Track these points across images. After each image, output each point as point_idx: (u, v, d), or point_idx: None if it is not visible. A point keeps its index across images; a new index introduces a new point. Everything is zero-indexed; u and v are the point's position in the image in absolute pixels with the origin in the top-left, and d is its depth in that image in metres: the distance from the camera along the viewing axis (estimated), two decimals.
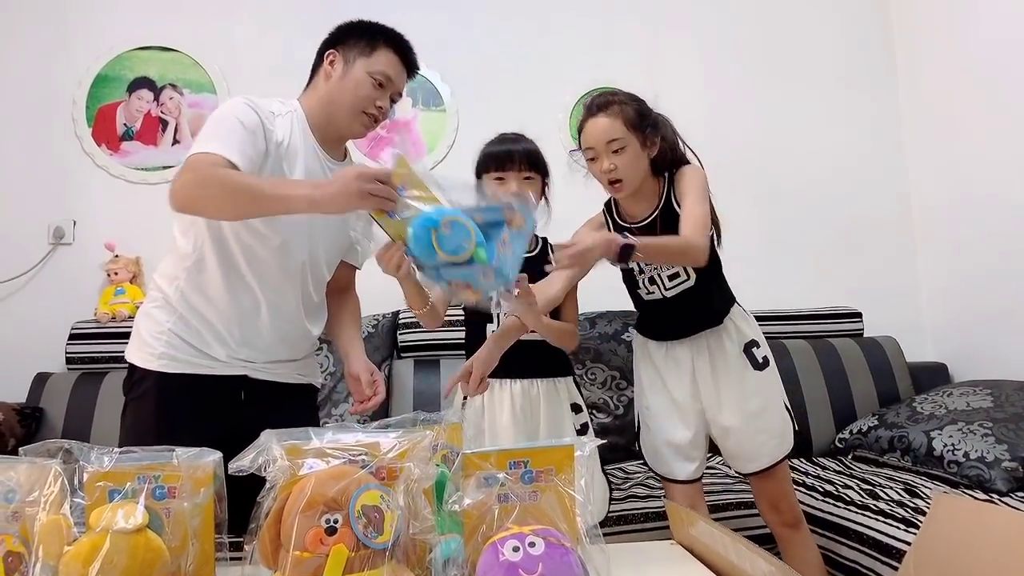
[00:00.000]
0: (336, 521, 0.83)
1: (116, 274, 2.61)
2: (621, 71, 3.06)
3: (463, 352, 2.58)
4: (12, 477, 0.88)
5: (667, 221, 1.69)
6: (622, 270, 1.78)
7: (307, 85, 1.61)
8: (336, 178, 1.29)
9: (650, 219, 1.71)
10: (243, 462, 0.89)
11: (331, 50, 1.56)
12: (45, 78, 2.72)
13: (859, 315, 2.90)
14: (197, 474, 0.90)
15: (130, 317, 2.53)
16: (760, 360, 1.74)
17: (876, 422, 2.43)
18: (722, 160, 3.12)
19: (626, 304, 2.71)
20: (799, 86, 3.16)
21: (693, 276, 1.71)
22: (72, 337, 2.50)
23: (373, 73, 1.53)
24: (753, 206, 3.06)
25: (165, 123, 2.78)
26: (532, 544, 0.84)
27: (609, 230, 1.77)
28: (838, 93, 3.20)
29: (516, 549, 0.84)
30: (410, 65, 1.61)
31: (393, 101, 1.61)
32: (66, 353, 2.49)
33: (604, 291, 2.78)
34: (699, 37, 3.15)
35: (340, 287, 1.74)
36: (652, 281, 1.74)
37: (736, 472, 1.82)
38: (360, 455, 0.90)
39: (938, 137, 3.02)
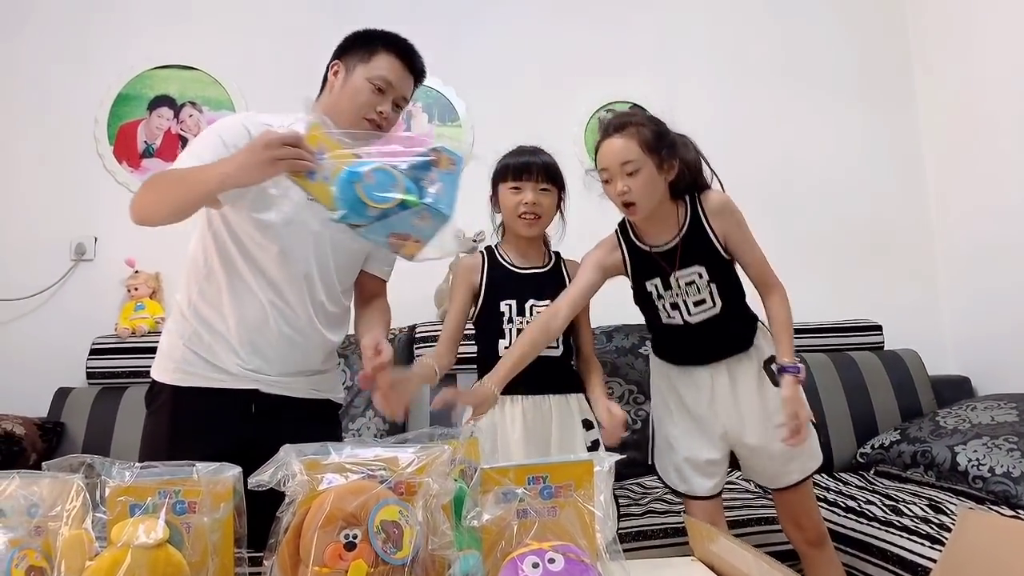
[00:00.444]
0: (355, 536, 0.83)
1: (136, 290, 2.63)
2: (637, 86, 3.08)
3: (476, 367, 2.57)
4: (35, 492, 0.88)
5: (690, 246, 1.66)
6: (636, 290, 1.75)
7: (316, 99, 1.63)
8: (245, 148, 1.27)
9: (672, 244, 1.67)
10: (262, 477, 0.89)
11: (335, 61, 1.58)
12: (68, 97, 2.76)
13: (879, 328, 2.87)
14: (217, 489, 0.90)
15: (150, 332, 2.56)
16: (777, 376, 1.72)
17: (898, 436, 2.40)
18: (739, 174, 3.09)
19: (641, 318, 2.73)
20: (816, 99, 3.15)
21: (719, 304, 1.68)
22: (93, 352, 2.52)
23: (371, 79, 1.52)
24: (771, 219, 3.02)
25: (185, 140, 2.81)
26: (552, 560, 0.84)
27: (622, 253, 1.74)
28: (856, 106, 3.19)
29: (536, 565, 0.83)
30: (414, 69, 1.59)
31: (398, 107, 1.58)
32: (87, 368, 2.51)
33: (620, 304, 2.78)
34: (715, 51, 3.15)
35: (367, 296, 1.71)
36: (675, 307, 1.69)
37: (759, 487, 1.78)
38: (379, 470, 0.90)
39: (958, 147, 3.00)
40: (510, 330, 1.71)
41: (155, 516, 0.86)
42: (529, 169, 1.72)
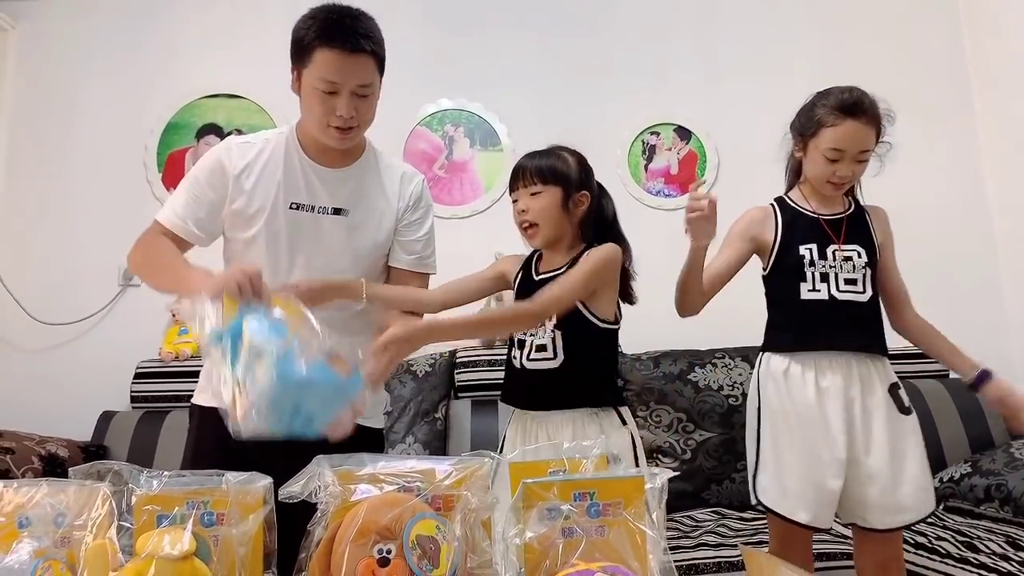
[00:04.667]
0: (389, 552, 0.78)
1: (181, 313, 2.65)
2: (679, 108, 3.03)
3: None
4: (62, 500, 0.86)
5: (854, 225, 1.69)
6: (779, 259, 1.68)
7: None
8: (221, 277, 1.26)
9: (839, 216, 1.69)
10: (294, 488, 0.85)
11: (292, 66, 1.47)
12: (119, 126, 2.84)
13: None
14: (246, 500, 0.86)
15: (192, 356, 2.56)
16: (906, 404, 1.61)
17: (969, 469, 2.24)
18: None
19: (692, 343, 2.63)
20: None
21: (869, 293, 1.63)
22: (137, 376, 2.54)
23: (316, 85, 1.40)
24: None
25: None
26: None
27: (776, 220, 1.69)
28: (915, 130, 3.05)
29: None
30: (360, 48, 1.39)
31: (361, 96, 1.43)
32: (131, 392, 2.53)
33: (668, 329, 2.70)
34: (762, 75, 3.08)
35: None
36: (824, 278, 1.62)
37: (864, 525, 1.59)
38: (415, 482, 0.85)
39: (1019, 167, 2.86)
40: (520, 341, 1.58)
41: (182, 527, 0.82)
42: (517, 175, 1.57)
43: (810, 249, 1.63)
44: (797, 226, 1.67)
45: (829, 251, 1.63)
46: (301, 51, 1.42)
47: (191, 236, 1.52)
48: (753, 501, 1.63)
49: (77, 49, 2.91)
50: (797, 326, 1.65)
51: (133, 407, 2.54)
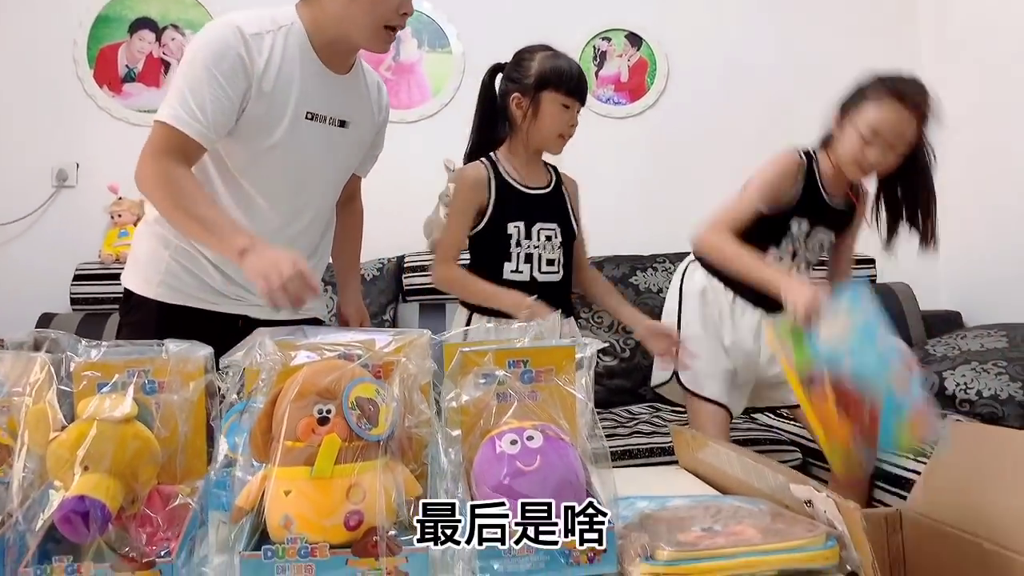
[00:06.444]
0: (329, 411, 0.80)
1: (120, 216, 2.59)
2: (631, 14, 2.99)
3: None
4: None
5: (847, 211, 1.80)
6: (774, 219, 1.71)
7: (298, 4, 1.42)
8: (271, 259, 1.18)
9: (843, 205, 1.77)
10: (235, 356, 0.87)
11: None
12: (46, 20, 2.67)
13: (872, 261, 2.84)
14: (187, 368, 0.88)
15: None
16: None
17: None
18: (738, 99, 3.06)
19: (635, 248, 2.70)
20: (818, 27, 3.06)
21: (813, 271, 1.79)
22: (76, 278, 2.49)
23: None
24: (767, 149, 2.99)
25: (167, 64, 2.73)
26: (530, 438, 0.82)
27: (803, 187, 1.73)
28: (859, 37, 3.10)
29: (514, 442, 0.82)
30: None
31: None
32: (70, 294, 2.49)
33: (612, 234, 2.76)
34: None
35: (345, 195, 1.65)
36: (794, 255, 1.73)
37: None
38: (355, 350, 0.88)
39: (957, 83, 2.92)
40: (518, 254, 1.63)
41: (123, 393, 0.84)
42: (584, 92, 1.65)
43: (800, 224, 1.71)
44: (808, 200, 1.71)
45: (814, 232, 1.73)
46: None
47: (210, 145, 1.34)
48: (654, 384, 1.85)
49: None
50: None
51: (74, 309, 2.50)
